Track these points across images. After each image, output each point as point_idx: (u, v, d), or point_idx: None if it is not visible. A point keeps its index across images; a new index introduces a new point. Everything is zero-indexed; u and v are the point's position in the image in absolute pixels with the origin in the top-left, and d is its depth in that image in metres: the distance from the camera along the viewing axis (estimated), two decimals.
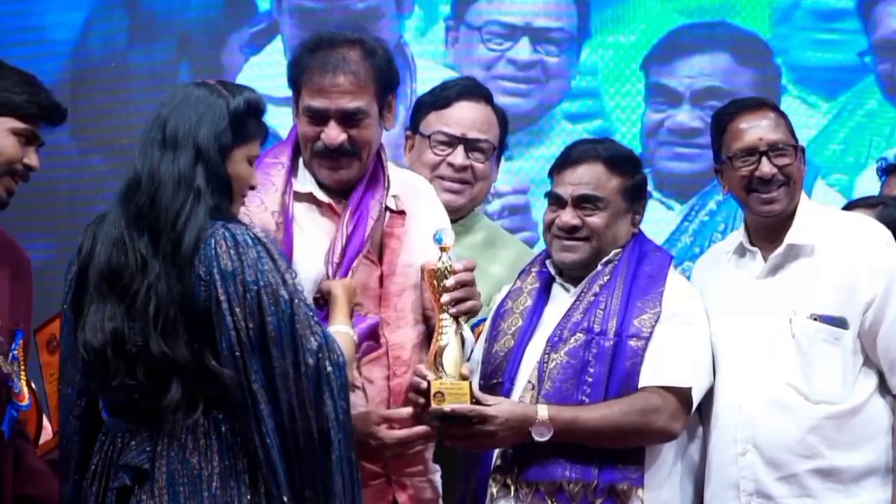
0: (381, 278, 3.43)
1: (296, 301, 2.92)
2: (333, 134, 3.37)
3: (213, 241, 2.91)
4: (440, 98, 3.95)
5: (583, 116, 5.68)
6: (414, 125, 3.96)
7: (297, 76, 3.43)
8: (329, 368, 2.92)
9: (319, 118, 3.38)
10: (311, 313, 2.94)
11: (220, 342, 2.90)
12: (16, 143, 3.36)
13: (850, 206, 4.12)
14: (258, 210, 3.34)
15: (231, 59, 5.74)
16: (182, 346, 2.90)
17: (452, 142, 3.90)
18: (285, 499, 2.91)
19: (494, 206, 5.62)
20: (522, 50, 5.73)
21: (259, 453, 2.91)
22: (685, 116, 5.59)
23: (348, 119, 3.37)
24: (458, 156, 3.89)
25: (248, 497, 2.91)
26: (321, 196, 3.44)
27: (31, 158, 3.39)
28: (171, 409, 2.92)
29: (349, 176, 3.41)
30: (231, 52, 5.74)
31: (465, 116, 3.91)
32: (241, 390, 2.90)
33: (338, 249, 3.36)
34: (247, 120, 3.04)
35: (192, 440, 2.93)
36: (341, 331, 3.16)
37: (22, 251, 3.57)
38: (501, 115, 4.01)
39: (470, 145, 3.90)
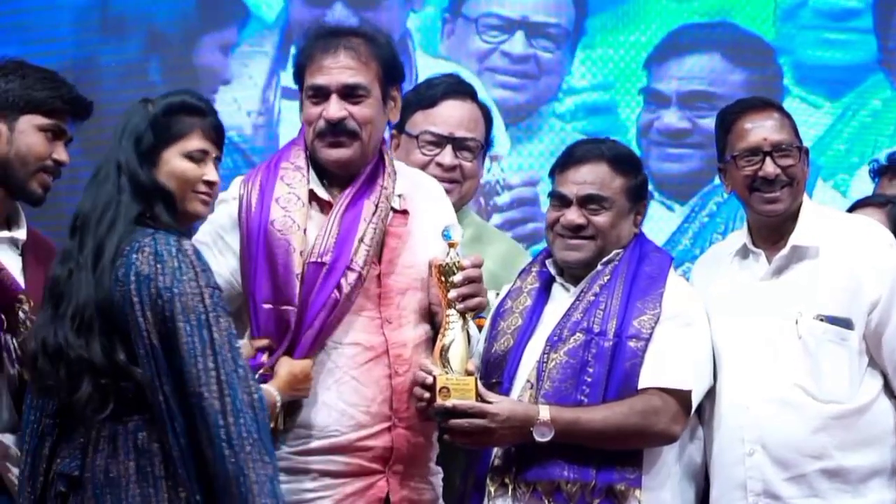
0: (379, 277, 3.42)
1: (213, 315, 2.98)
2: (334, 109, 3.40)
3: (136, 246, 2.99)
4: (426, 97, 3.96)
5: (581, 115, 5.68)
6: (399, 124, 3.95)
7: (302, 62, 3.48)
8: (255, 395, 2.98)
9: (321, 96, 3.42)
10: (230, 336, 3.00)
11: (135, 343, 2.97)
12: (43, 140, 3.42)
13: (858, 205, 4.15)
14: (293, 231, 3.37)
15: (205, 59, 5.71)
16: (96, 345, 2.99)
17: (440, 142, 3.90)
18: (198, 497, 2.95)
19: (504, 197, 5.64)
20: (517, 43, 5.71)
21: (174, 453, 2.96)
22: (673, 118, 5.60)
23: (349, 95, 3.40)
24: (447, 155, 3.89)
25: (166, 502, 2.97)
26: (322, 193, 3.45)
27: (60, 153, 3.44)
28: (81, 406, 3.00)
29: (349, 156, 3.42)
30: (205, 54, 5.71)
31: (451, 115, 3.92)
32: (153, 390, 2.97)
33: (317, 250, 3.37)
34: (171, 119, 3.12)
35: (112, 447, 3.01)
36: (266, 388, 3.22)
37: (55, 251, 3.62)
38: (486, 112, 4.02)
39: (458, 144, 3.91)
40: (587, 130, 5.54)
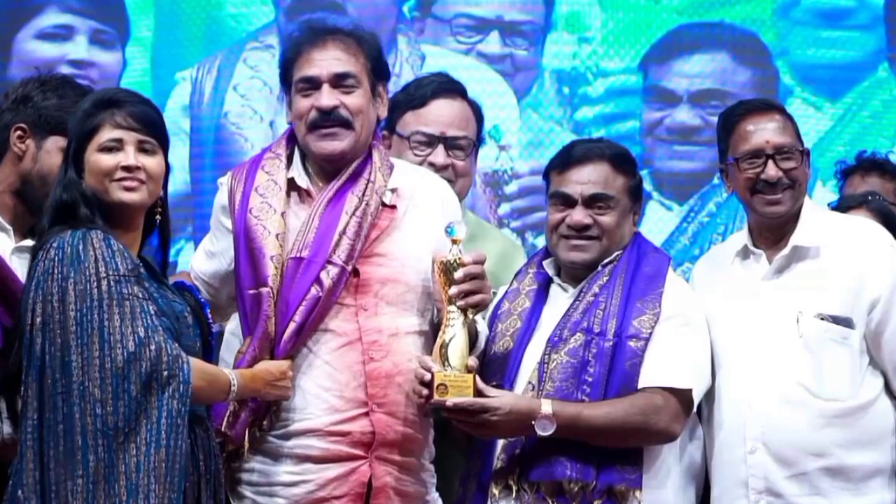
0: (355, 267, 3.45)
1: (108, 301, 3.02)
2: (326, 97, 3.45)
3: (47, 245, 3.08)
4: (416, 97, 3.99)
5: (559, 110, 5.74)
6: (390, 124, 3.98)
7: (290, 58, 3.53)
8: (165, 373, 3.01)
9: (312, 86, 3.47)
10: (145, 320, 3.03)
11: (22, 333, 3.05)
12: None
13: (838, 208, 4.21)
14: (269, 215, 3.42)
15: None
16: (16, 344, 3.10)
17: (432, 142, 3.93)
18: (20, 493, 3.00)
19: (512, 187, 5.70)
20: (492, 44, 5.74)
21: (20, 443, 3.03)
22: (685, 115, 5.65)
23: (340, 84, 3.46)
24: (439, 155, 3.92)
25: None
26: (301, 182, 3.49)
27: None
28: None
29: (343, 147, 3.46)
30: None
31: (442, 114, 3.95)
32: (21, 381, 3.06)
33: (297, 245, 3.41)
34: (85, 121, 3.19)
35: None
36: (222, 368, 3.29)
37: None
38: (477, 109, 4.06)
39: (450, 143, 3.94)
40: (567, 124, 5.60)
